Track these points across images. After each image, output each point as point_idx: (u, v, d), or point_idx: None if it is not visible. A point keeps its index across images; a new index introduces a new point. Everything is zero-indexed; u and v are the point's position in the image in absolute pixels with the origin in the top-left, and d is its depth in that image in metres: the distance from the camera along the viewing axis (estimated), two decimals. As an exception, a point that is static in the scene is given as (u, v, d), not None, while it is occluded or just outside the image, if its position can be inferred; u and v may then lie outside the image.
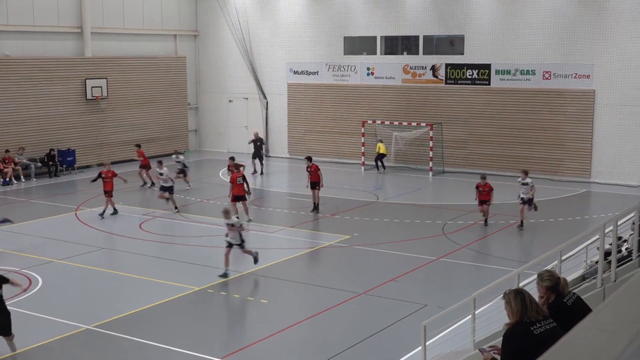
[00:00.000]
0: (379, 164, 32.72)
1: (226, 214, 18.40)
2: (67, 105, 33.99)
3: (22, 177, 31.25)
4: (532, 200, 22.27)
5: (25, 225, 22.91)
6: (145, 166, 29.78)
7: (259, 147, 32.40)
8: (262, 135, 34.20)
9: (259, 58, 38.27)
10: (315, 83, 36.74)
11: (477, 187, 22.98)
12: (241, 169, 24.91)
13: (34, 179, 31.62)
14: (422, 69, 33.93)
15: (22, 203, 27.42)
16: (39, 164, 32.45)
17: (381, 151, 32.56)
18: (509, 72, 31.98)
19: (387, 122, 34.17)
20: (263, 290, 17.51)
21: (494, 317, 11.55)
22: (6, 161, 31.01)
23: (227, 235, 18.22)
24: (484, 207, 22.87)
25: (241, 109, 39.47)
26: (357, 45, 35.77)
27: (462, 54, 33.07)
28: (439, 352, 12.39)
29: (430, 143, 32.68)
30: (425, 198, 28.08)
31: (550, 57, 30.91)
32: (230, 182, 23.83)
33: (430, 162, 32.67)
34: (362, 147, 34.09)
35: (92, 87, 34.52)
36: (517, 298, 6.93)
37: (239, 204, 23.31)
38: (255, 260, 18.13)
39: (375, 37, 35.10)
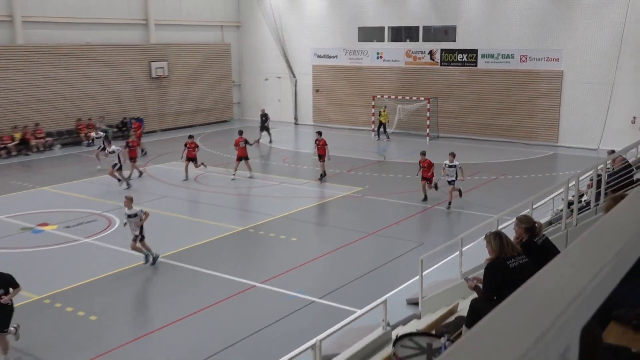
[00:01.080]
0: (383, 129, 32.63)
1: (128, 202, 14.65)
2: (136, 83, 34.15)
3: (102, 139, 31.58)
4: (454, 181, 18.93)
5: (105, 178, 23.14)
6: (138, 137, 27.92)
7: (264, 121, 31.70)
8: (268, 111, 32.88)
9: (289, 44, 38.12)
10: (335, 65, 36.59)
11: (419, 163, 19.98)
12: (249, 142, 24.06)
13: (111, 142, 31.92)
14: (422, 53, 33.67)
15: (102, 160, 27.67)
16: (115, 129, 32.72)
17: (383, 119, 32.47)
18: (492, 56, 31.68)
19: (392, 97, 34.03)
20: (293, 230, 17.63)
21: (477, 254, 11.57)
22: (89, 127, 31.31)
23: (125, 225, 14.96)
24: (424, 183, 19.87)
25: (275, 85, 39.43)
26: (369, 33, 35.44)
27: (455, 41, 32.74)
28: (432, 281, 12.47)
29: (428, 114, 32.48)
30: (423, 158, 27.99)
31: (526, 43, 30.58)
32: (234, 145, 23.52)
33: (428, 129, 32.50)
34: (372, 117, 34.01)
35: (156, 68, 34.63)
36: (496, 238, 6.96)
37: (243, 163, 23.32)
38: (153, 261, 14.56)
39: (383, 27, 34.82)
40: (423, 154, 19.99)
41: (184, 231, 17.48)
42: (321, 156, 22.81)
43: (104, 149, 23.97)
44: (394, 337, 7.64)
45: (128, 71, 33.60)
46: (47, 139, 29.68)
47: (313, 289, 13.33)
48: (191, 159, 23.22)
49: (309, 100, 38.10)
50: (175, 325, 11.71)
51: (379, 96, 34.19)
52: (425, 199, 19.86)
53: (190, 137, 23.89)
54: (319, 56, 37.17)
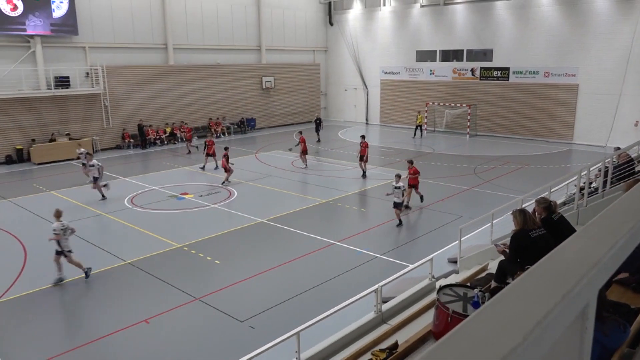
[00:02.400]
0: (420, 130, 31.52)
1: (57, 216, 11.22)
2: (251, 92, 34.76)
3: (225, 133, 32.41)
4: (402, 203, 14.92)
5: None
6: (189, 139, 27.57)
7: (318, 124, 30.34)
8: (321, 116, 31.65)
9: (363, 64, 37.76)
10: (398, 79, 35.92)
11: (408, 170, 16.59)
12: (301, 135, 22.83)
13: (232, 135, 32.73)
14: (465, 70, 32.56)
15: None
16: (235, 126, 33.51)
17: (419, 122, 31.39)
18: (521, 72, 30.25)
19: (441, 104, 33.18)
20: (363, 203, 17.57)
21: (504, 226, 11.15)
22: (217, 124, 32.19)
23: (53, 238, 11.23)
24: (410, 190, 16.32)
25: (352, 94, 39.19)
26: (424, 55, 34.57)
27: (491, 61, 31.43)
28: (469, 245, 12.13)
29: (468, 117, 31.57)
30: (463, 151, 27.19)
31: (549, 62, 29.01)
32: (300, 141, 22.59)
33: (468, 129, 31.55)
34: (425, 119, 33.31)
35: (265, 81, 35.10)
36: (521, 214, 6.67)
37: (304, 156, 22.63)
38: (86, 275, 11.34)
39: (435, 51, 33.86)
40: (410, 162, 16.76)
41: (282, 201, 17.74)
42: (362, 157, 20.74)
43: (85, 164, 19.26)
44: (437, 287, 7.48)
45: (245, 84, 34.25)
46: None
47: (377, 247, 13.26)
48: (225, 167, 20.00)
49: (377, 105, 37.66)
50: (276, 269, 11.94)
51: (430, 103, 33.56)
52: (421, 199, 16.91)
53: (227, 148, 20.66)
54: (385, 73, 36.60)
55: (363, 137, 21.39)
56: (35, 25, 24.80)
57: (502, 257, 7.28)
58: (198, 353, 8.57)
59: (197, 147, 27.15)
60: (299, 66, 37.81)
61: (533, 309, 0.85)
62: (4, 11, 23.84)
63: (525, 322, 0.81)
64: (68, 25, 25.75)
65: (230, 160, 20.04)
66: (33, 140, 25.23)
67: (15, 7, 24.18)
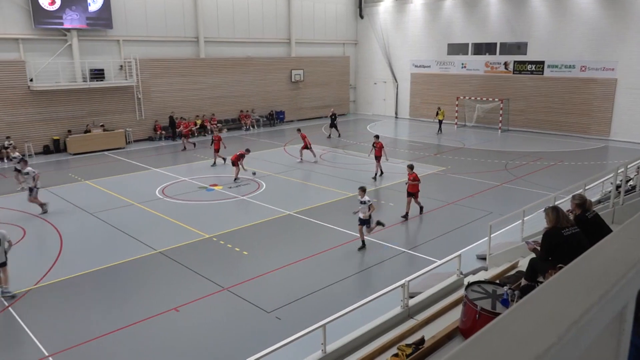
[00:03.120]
0: (440, 126, 30.59)
1: None
2: (280, 85, 34.87)
3: (255, 126, 32.62)
4: (369, 221, 12.63)
5: (257, 154, 23.96)
6: (185, 135, 26.61)
7: (333, 119, 29.60)
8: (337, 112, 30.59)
9: (393, 57, 37.39)
10: (428, 73, 35.46)
11: (408, 176, 15.04)
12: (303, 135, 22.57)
13: (261, 128, 32.92)
14: (498, 64, 31.91)
15: (254, 141, 28.62)
16: (264, 119, 33.69)
17: (440, 117, 30.35)
18: (556, 66, 29.45)
19: (472, 98, 32.62)
20: (391, 198, 17.44)
21: (536, 223, 10.92)
22: (247, 117, 32.42)
23: None
24: (409, 199, 14.97)
25: (381, 88, 38.90)
26: (456, 48, 34.02)
27: (525, 54, 30.70)
28: (498, 242, 11.94)
29: (501, 111, 30.92)
30: (495, 146, 26.70)
31: (586, 55, 28.15)
32: (302, 138, 22.38)
33: (500, 124, 30.92)
34: (456, 113, 32.85)
35: (294, 74, 35.14)
36: (554, 211, 6.52)
37: (307, 151, 22.38)
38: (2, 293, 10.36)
39: (467, 44, 33.26)
40: (411, 167, 15.15)
41: (309, 194, 17.79)
42: (377, 157, 19.54)
43: (19, 170, 16.91)
44: (465, 283, 7.39)
45: (275, 77, 34.38)
46: (218, 124, 31.10)
47: (404, 242, 13.16)
48: (233, 161, 19.52)
49: (407, 99, 37.27)
50: (303, 261, 11.99)
51: (461, 97, 33.03)
52: (406, 216, 15.02)
53: (247, 150, 20.30)
54: (416, 66, 36.17)
55: (377, 137, 20.03)
56: (71, 19, 25.42)
57: (533, 255, 7.14)
58: (225, 342, 8.70)
59: (194, 144, 26.62)
60: (328, 59, 37.72)
61: (569, 309, 0.83)
62: (42, 5, 24.51)
63: (560, 321, 0.79)
64: (103, 19, 26.30)
65: (243, 162, 19.65)
66: (69, 131, 25.92)
67: (53, 2, 24.82)
